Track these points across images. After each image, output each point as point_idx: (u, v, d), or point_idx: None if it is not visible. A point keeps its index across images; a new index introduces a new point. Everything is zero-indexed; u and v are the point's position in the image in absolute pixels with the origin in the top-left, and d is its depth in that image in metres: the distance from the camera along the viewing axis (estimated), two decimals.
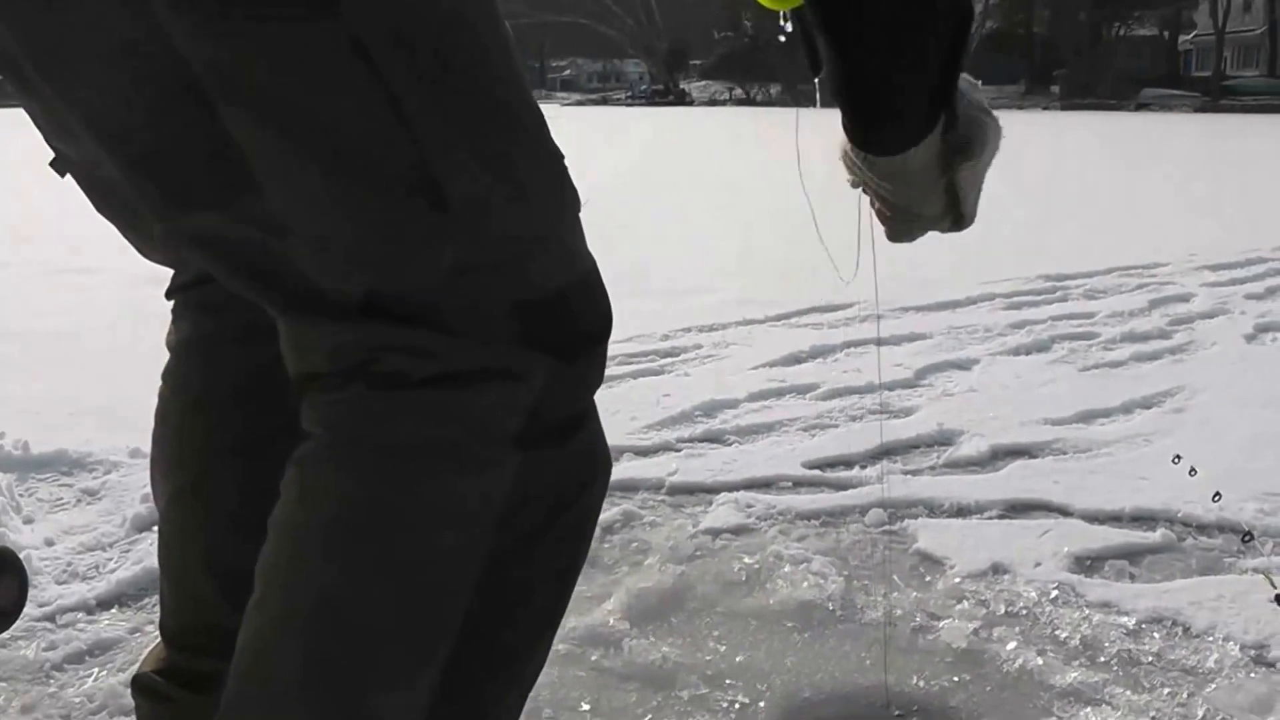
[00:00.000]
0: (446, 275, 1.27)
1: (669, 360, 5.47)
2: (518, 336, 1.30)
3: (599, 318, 1.41)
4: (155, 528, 2.48)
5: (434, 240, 1.27)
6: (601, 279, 1.41)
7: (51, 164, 1.60)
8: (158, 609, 1.93)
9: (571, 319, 1.36)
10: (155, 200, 1.32)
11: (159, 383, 2.12)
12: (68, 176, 1.62)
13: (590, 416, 1.42)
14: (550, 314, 1.33)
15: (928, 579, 3.00)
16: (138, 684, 1.91)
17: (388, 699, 1.29)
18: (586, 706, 2.35)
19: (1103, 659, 2.56)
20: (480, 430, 1.30)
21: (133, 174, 1.31)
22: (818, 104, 1.83)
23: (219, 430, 1.78)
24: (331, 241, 1.26)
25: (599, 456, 1.44)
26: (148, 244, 1.73)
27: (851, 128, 1.59)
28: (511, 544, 1.32)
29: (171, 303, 1.90)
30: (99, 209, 1.69)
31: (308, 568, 1.31)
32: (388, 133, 1.24)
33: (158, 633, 1.91)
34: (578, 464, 1.40)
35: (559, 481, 1.37)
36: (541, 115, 1.38)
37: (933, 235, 1.81)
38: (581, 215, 1.39)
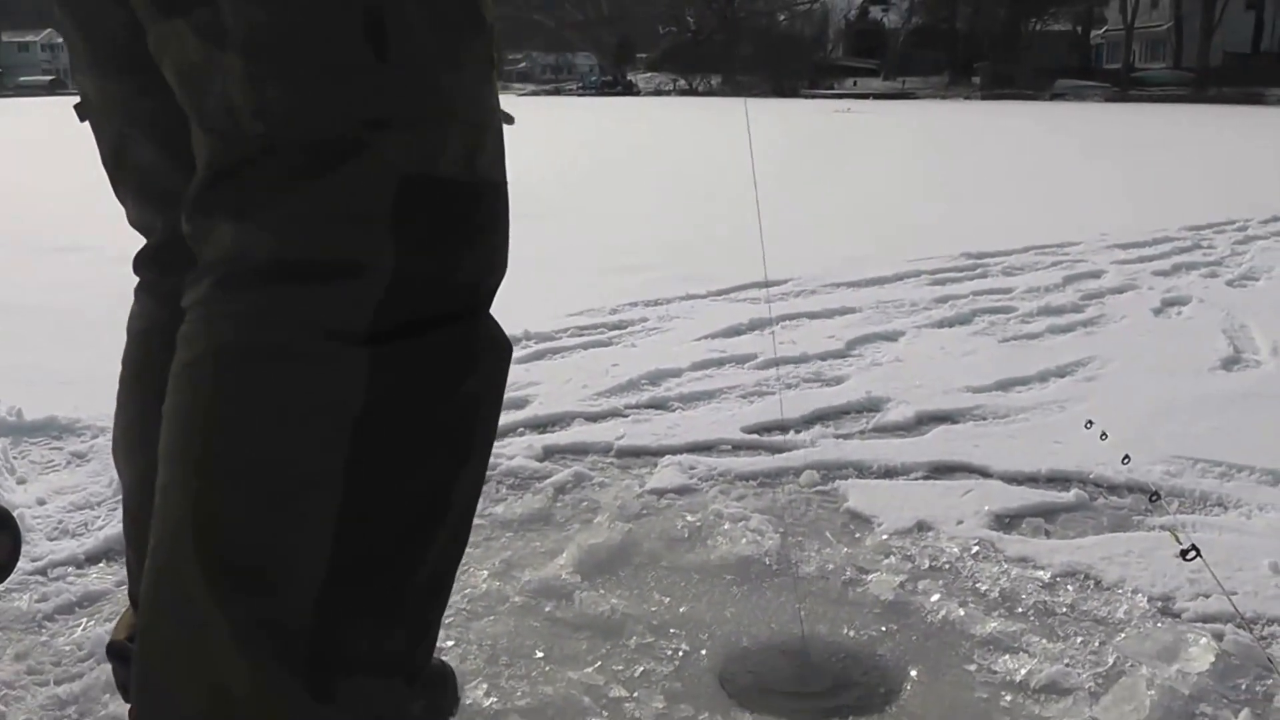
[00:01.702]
0: (358, 127, 1.27)
1: (617, 332, 5.46)
2: (389, 214, 1.29)
3: (476, 228, 1.39)
4: None
5: (364, 88, 1.27)
6: (505, 209, 1.41)
7: (75, 108, 1.67)
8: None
9: (448, 215, 1.34)
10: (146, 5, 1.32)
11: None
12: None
13: (462, 316, 1.40)
14: (430, 200, 1.32)
15: (857, 536, 3.01)
16: (113, 650, 1.90)
17: (278, 587, 1.31)
18: (540, 654, 2.35)
19: (1020, 610, 2.58)
20: (322, 323, 1.29)
21: None
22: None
23: None
24: (264, 68, 1.26)
25: (475, 347, 1.42)
26: (138, 199, 1.74)
27: None
28: (377, 438, 1.32)
29: (136, 280, 1.88)
30: (107, 163, 1.73)
31: (184, 468, 1.33)
32: None
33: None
34: (445, 356, 1.38)
35: (425, 376, 1.35)
36: (486, 25, 1.39)
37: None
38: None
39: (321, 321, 1.29)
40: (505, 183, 1.43)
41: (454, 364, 1.39)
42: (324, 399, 1.30)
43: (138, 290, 1.88)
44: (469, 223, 1.37)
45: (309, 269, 1.30)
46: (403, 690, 1.48)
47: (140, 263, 1.85)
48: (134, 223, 1.85)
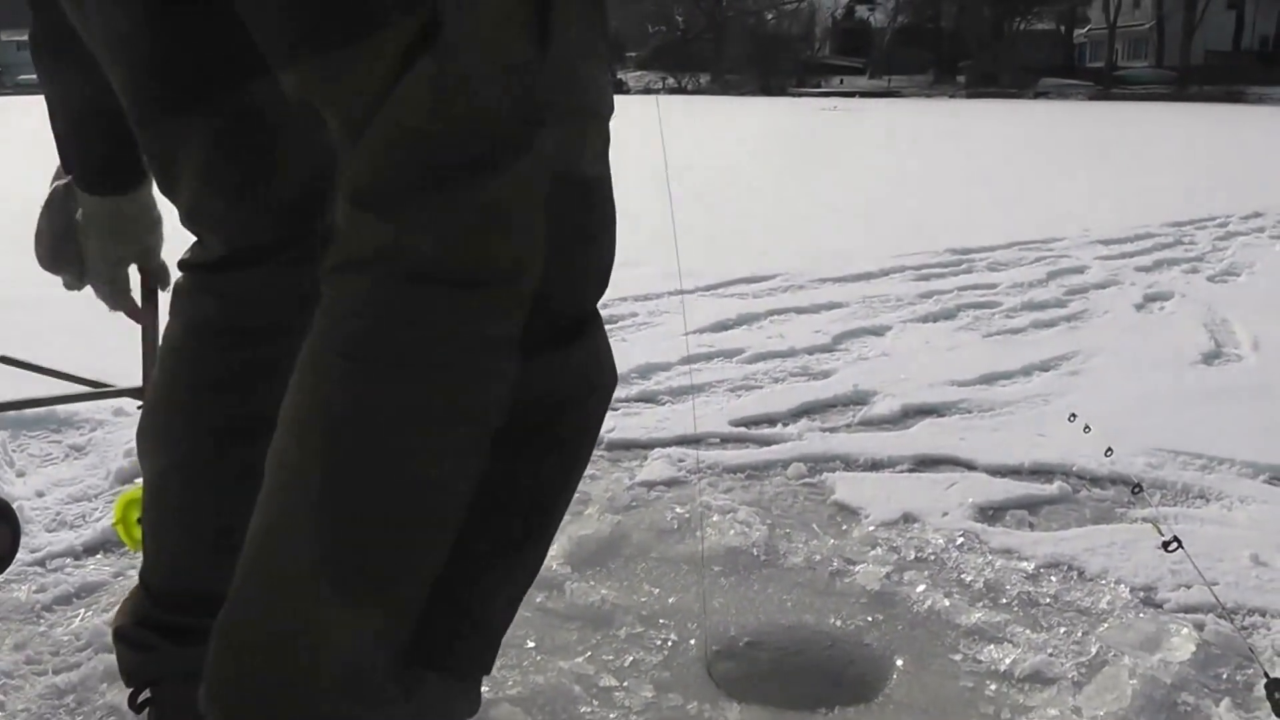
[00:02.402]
0: (524, 124, 1.21)
1: (607, 327, 5.43)
2: (543, 215, 1.24)
3: (600, 228, 1.34)
4: (137, 480, 2.46)
5: (530, 83, 1.21)
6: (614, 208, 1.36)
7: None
8: (139, 555, 1.91)
9: (584, 215, 1.31)
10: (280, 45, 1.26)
11: (139, 348, 2.08)
12: None
13: (594, 322, 1.38)
14: (572, 199, 1.27)
15: (844, 527, 3.01)
16: (119, 634, 1.88)
17: (392, 588, 1.30)
18: (532, 644, 2.34)
19: (1004, 600, 2.58)
20: (480, 331, 1.24)
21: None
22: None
23: (206, 415, 1.74)
24: (454, 67, 1.19)
25: (604, 363, 1.41)
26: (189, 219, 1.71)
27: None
28: (510, 452, 1.30)
29: (178, 276, 1.83)
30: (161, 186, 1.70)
31: (312, 467, 1.28)
32: None
33: (136, 579, 1.89)
34: (581, 368, 1.36)
35: (563, 386, 1.34)
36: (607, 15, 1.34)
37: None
38: None
39: (479, 328, 1.24)
40: (611, 185, 1.36)
41: (586, 379, 1.37)
42: (470, 407, 1.27)
43: (181, 287, 1.81)
44: (596, 222, 1.34)
45: (471, 271, 1.23)
46: (476, 692, 1.54)
47: (187, 265, 1.79)
48: (186, 226, 1.80)
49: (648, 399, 4.21)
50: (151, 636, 1.81)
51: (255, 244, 1.65)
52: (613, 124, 1.35)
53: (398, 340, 1.24)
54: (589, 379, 1.38)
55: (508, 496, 1.35)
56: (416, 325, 1.23)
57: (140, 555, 1.88)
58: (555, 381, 1.32)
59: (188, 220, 1.70)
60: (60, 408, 3.75)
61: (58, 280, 2.03)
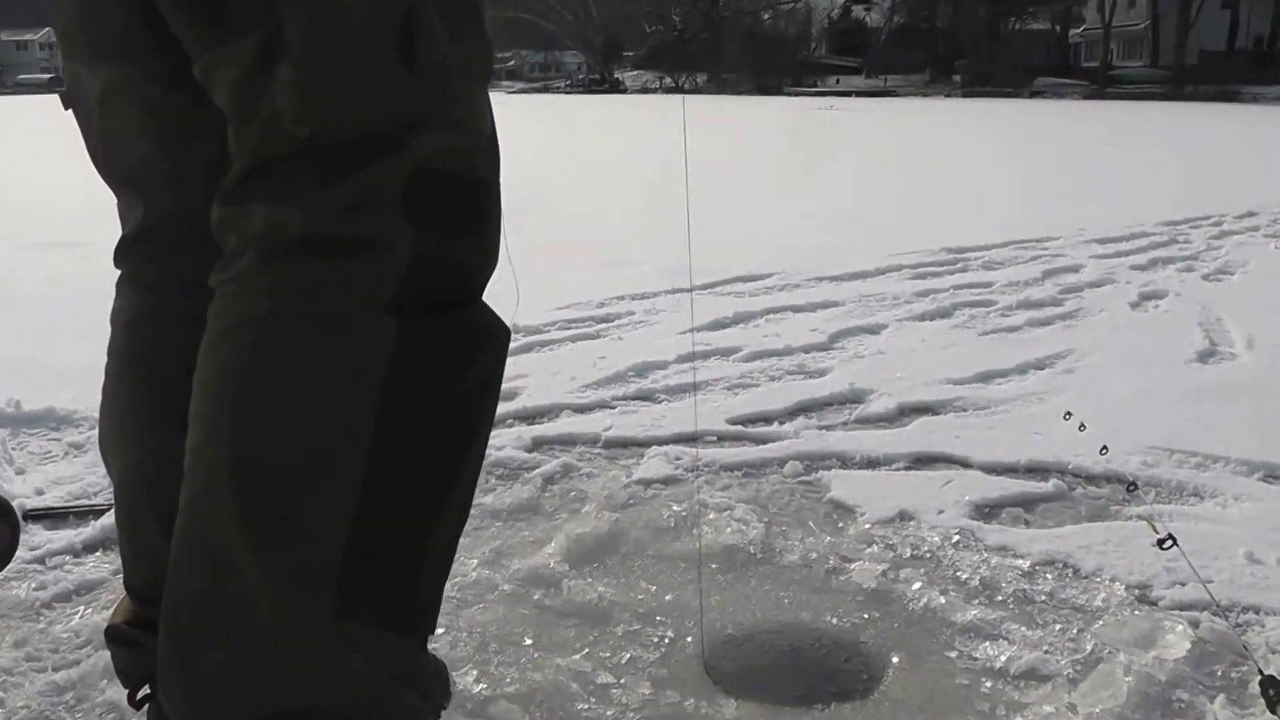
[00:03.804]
0: (389, 127, 1.40)
1: (604, 325, 5.46)
2: (403, 200, 1.40)
3: (475, 219, 1.50)
4: None
5: (396, 94, 1.40)
6: (498, 205, 1.54)
7: (61, 95, 1.73)
8: None
9: (453, 205, 1.46)
10: (197, 34, 1.44)
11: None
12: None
13: (469, 300, 1.53)
14: (437, 190, 1.43)
15: (840, 525, 3.01)
16: (110, 634, 1.91)
17: (309, 536, 1.42)
18: (529, 641, 2.35)
19: (1000, 598, 2.58)
20: (349, 294, 1.41)
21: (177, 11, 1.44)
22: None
23: (168, 406, 1.75)
24: (313, 78, 1.37)
25: (486, 328, 1.55)
26: (121, 186, 1.80)
27: None
28: (401, 404, 1.44)
29: (118, 274, 1.88)
30: (94, 150, 1.77)
31: (221, 431, 1.43)
32: None
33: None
34: (466, 329, 1.51)
35: (451, 343, 1.49)
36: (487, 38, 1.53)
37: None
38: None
39: (353, 289, 1.41)
40: (498, 181, 1.53)
41: (468, 343, 1.51)
42: (356, 361, 1.42)
43: (120, 283, 1.87)
44: (469, 213, 1.49)
45: (337, 244, 1.40)
46: (419, 650, 1.62)
47: (121, 253, 1.84)
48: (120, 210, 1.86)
49: (645, 397, 4.21)
50: (141, 634, 1.83)
51: (175, 216, 1.72)
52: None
53: (277, 306, 1.42)
54: (474, 338, 1.53)
55: (410, 442, 1.46)
56: (291, 291, 1.42)
57: None
58: (441, 340, 1.47)
59: (117, 178, 1.78)
60: (59, 406, 3.75)
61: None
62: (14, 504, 2.43)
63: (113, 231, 1.79)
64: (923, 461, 3.52)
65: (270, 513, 1.41)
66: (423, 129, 1.41)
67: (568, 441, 3.66)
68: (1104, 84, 72.10)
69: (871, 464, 3.48)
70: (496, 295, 1.58)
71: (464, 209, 1.48)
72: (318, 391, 1.42)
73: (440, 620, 2.39)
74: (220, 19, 1.39)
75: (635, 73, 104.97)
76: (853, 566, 2.73)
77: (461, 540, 2.79)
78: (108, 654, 2.04)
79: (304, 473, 1.42)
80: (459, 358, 1.50)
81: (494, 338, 1.56)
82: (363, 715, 1.49)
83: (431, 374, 1.46)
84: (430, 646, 2.26)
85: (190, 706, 1.47)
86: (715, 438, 3.74)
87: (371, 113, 1.39)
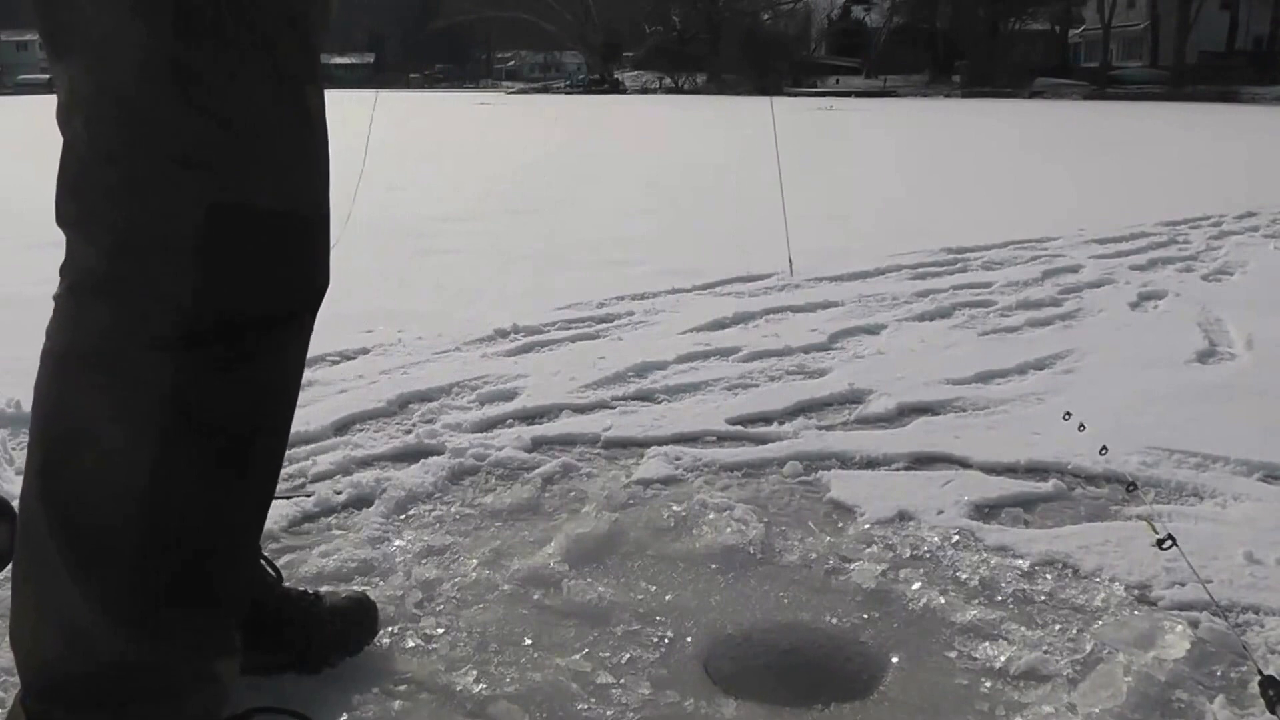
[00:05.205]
0: (166, 163, 1.50)
1: (604, 325, 5.46)
2: (195, 237, 1.52)
3: (283, 250, 1.63)
4: None
5: (170, 131, 1.50)
6: (311, 235, 1.67)
7: None
8: None
9: (254, 239, 1.57)
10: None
11: None
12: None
13: (278, 323, 1.66)
14: (235, 225, 1.55)
15: (840, 525, 3.01)
16: None
17: (104, 544, 1.61)
18: (529, 641, 2.35)
19: (1000, 598, 2.58)
20: (137, 338, 1.55)
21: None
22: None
23: None
24: (97, 111, 1.52)
25: (290, 348, 1.72)
26: None
27: None
28: (184, 414, 1.59)
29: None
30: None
31: (33, 450, 1.68)
32: None
33: None
34: (244, 362, 1.63)
35: (222, 379, 1.61)
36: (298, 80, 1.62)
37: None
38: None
39: (137, 330, 1.55)
40: (314, 213, 1.67)
41: (254, 371, 1.65)
42: (130, 397, 1.58)
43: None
44: (276, 245, 1.61)
45: (128, 283, 1.55)
46: (221, 618, 1.77)
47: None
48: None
49: (644, 397, 4.20)
50: None
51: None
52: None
53: (67, 341, 1.63)
54: (265, 364, 1.67)
55: (187, 454, 1.61)
56: (78, 327, 1.61)
57: None
58: (222, 369, 1.60)
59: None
60: None
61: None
62: (14, 504, 2.42)
63: None
64: (922, 461, 3.51)
65: (71, 528, 1.61)
66: (200, 166, 1.51)
67: (567, 442, 3.65)
68: (1103, 84, 72.14)
69: (871, 464, 3.48)
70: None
71: (270, 242, 1.59)
72: (97, 422, 1.60)
73: (440, 620, 2.41)
74: (53, 66, 1.57)
75: (635, 73, 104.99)
76: (852, 567, 2.72)
77: (461, 540, 2.82)
78: None
79: (93, 489, 1.61)
80: (246, 380, 1.64)
81: (296, 348, 1.74)
82: (170, 683, 1.69)
83: (214, 399, 1.61)
84: (431, 646, 2.28)
85: (26, 659, 1.71)
86: (715, 437, 3.73)
87: (147, 148, 1.50)
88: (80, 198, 1.57)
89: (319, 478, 3.29)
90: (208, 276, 1.54)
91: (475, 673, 2.21)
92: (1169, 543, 2.41)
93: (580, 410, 4.00)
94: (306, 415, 3.74)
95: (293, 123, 1.60)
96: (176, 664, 1.69)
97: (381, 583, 2.59)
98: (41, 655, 1.69)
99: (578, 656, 2.29)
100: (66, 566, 1.61)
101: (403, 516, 3.01)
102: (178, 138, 1.50)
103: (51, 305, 1.68)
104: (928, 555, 2.81)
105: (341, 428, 3.78)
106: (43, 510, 1.63)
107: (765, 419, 3.95)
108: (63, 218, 1.59)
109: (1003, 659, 2.29)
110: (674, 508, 3.04)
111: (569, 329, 5.35)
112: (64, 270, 1.63)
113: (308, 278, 1.68)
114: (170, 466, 1.60)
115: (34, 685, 1.70)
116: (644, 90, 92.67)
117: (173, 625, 1.67)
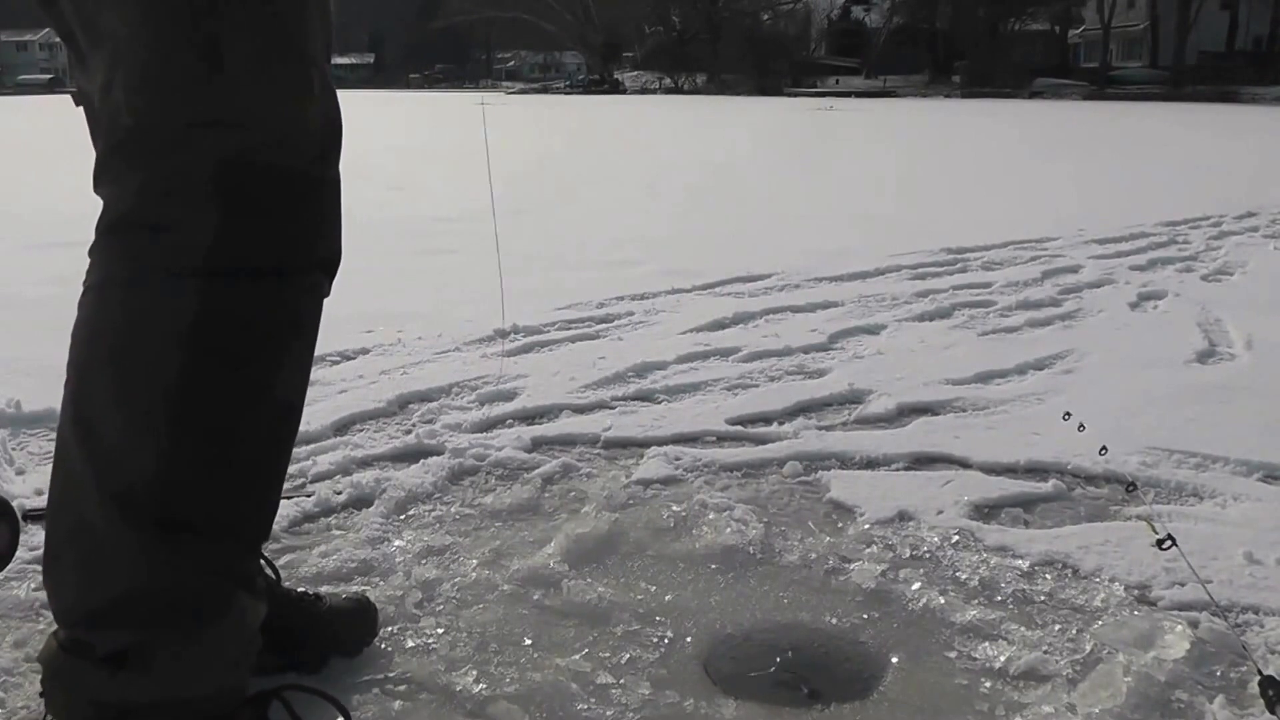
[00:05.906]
0: (190, 124, 1.67)
1: (604, 326, 5.46)
2: (210, 185, 1.68)
3: (293, 206, 1.77)
4: None
5: (198, 96, 1.66)
6: (322, 195, 1.82)
7: (73, 95, 1.89)
8: None
9: (265, 192, 1.72)
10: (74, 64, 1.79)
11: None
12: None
13: (290, 273, 1.79)
14: (246, 179, 1.70)
15: (840, 525, 3.01)
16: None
17: (123, 471, 1.72)
18: (529, 641, 2.35)
19: (999, 598, 2.58)
20: (161, 265, 1.70)
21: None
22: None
23: None
24: (134, 80, 1.66)
25: (295, 300, 1.82)
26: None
27: None
28: (205, 345, 1.71)
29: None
30: (94, 138, 1.88)
31: (69, 374, 1.79)
32: None
33: None
34: (264, 299, 1.77)
35: (246, 308, 1.75)
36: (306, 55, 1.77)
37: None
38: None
39: (162, 260, 1.70)
40: (324, 175, 1.82)
41: (273, 306, 1.78)
42: (159, 314, 1.71)
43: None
44: (280, 200, 1.74)
45: (152, 224, 1.70)
46: (239, 551, 1.87)
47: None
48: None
49: (644, 397, 4.20)
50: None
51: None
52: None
53: (103, 274, 1.77)
54: (282, 303, 1.80)
55: (210, 383, 1.73)
56: (121, 261, 1.75)
57: None
58: (247, 300, 1.74)
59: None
60: (59, 406, 3.75)
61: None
62: (14, 504, 2.42)
63: None
64: (922, 462, 3.52)
65: (96, 445, 1.73)
66: (220, 126, 1.66)
67: (567, 442, 3.65)
68: (1103, 84, 72.18)
69: (871, 464, 3.48)
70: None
71: (274, 196, 1.73)
72: (127, 341, 1.72)
73: (440, 620, 2.41)
74: (79, 48, 1.75)
75: (634, 73, 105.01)
76: (852, 567, 2.72)
77: (461, 540, 2.82)
78: None
79: (120, 410, 1.72)
80: (262, 317, 1.77)
81: (312, 295, 1.85)
82: (188, 605, 1.77)
83: (236, 318, 1.73)
84: (430, 646, 2.28)
85: (56, 600, 1.81)
86: (715, 438, 3.73)
87: (178, 110, 1.66)
88: (114, 157, 1.72)
89: (319, 478, 3.29)
90: (224, 219, 1.69)
91: (475, 673, 2.21)
92: (1169, 543, 2.42)
93: (580, 410, 4.00)
94: (306, 415, 3.72)
95: (302, 90, 1.75)
96: (195, 588, 1.78)
97: (381, 583, 2.59)
98: (69, 581, 1.78)
99: (577, 657, 2.29)
100: (92, 482, 1.72)
101: (402, 517, 3.01)
102: (195, 103, 1.66)
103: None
104: (927, 555, 2.81)
105: (341, 428, 3.78)
106: (72, 430, 1.76)
107: (765, 419, 3.95)
108: (99, 181, 1.76)
109: (1002, 659, 2.29)
110: (674, 508, 3.05)
111: (569, 329, 5.35)
112: (99, 224, 1.77)
113: (319, 233, 1.83)
114: (192, 388, 1.72)
115: (61, 614, 1.80)
116: (644, 90, 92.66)
117: (190, 550, 1.76)
